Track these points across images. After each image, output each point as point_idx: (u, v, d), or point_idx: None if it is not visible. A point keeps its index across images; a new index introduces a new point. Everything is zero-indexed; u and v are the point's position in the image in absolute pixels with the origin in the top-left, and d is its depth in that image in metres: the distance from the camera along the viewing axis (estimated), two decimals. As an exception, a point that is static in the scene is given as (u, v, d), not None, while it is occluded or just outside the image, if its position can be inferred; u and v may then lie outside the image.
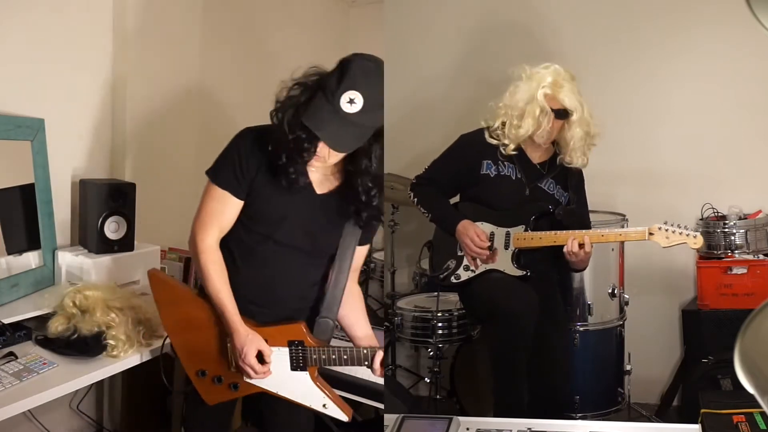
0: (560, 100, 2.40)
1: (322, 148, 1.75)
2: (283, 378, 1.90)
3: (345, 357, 1.86)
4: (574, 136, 2.44)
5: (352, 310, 2.04)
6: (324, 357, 1.86)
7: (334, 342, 2.02)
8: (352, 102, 1.65)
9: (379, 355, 1.87)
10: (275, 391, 1.91)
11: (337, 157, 1.80)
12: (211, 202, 1.88)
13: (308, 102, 1.72)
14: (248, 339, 1.84)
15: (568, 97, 2.39)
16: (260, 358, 1.86)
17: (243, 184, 1.84)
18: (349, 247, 1.96)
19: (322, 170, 1.88)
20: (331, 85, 1.68)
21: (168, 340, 2.10)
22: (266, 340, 1.88)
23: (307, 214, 1.89)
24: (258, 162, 1.83)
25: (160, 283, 2.05)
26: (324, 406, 1.91)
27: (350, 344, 2.00)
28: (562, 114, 2.41)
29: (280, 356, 1.88)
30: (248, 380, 1.91)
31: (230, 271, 1.92)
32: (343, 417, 1.92)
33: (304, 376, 1.89)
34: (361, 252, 2.03)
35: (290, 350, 1.88)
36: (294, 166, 1.79)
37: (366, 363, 1.87)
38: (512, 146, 2.48)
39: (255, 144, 1.84)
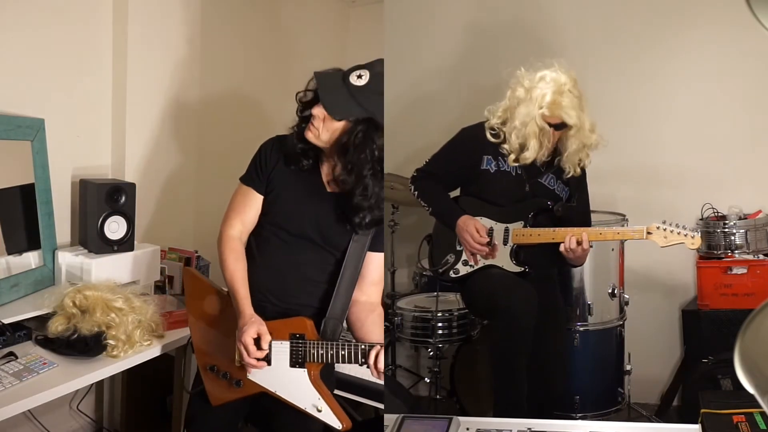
0: (559, 117, 2.38)
1: (316, 115, 1.85)
2: (281, 375, 1.89)
3: (343, 353, 1.84)
4: (569, 148, 2.44)
5: (366, 325, 2.01)
6: (322, 352, 1.85)
7: None
8: (360, 77, 1.81)
9: (375, 350, 1.81)
10: (273, 391, 1.90)
11: (328, 132, 1.85)
12: (236, 197, 2.05)
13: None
14: (251, 320, 1.87)
15: (567, 114, 2.36)
16: (259, 345, 1.87)
17: (262, 179, 2.00)
18: (360, 247, 1.96)
19: (330, 168, 1.94)
20: (347, 70, 1.86)
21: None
22: (271, 334, 1.89)
23: (318, 207, 1.95)
24: (276, 159, 1.99)
25: (191, 277, 2.21)
26: (318, 409, 1.87)
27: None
28: (560, 126, 2.40)
29: (281, 350, 1.88)
30: (250, 377, 1.91)
31: (250, 265, 2.00)
32: (337, 425, 1.86)
33: (301, 374, 1.87)
34: (375, 262, 2.02)
35: (291, 343, 1.87)
36: (303, 151, 1.92)
37: (363, 359, 1.83)
38: (513, 157, 2.46)
39: (275, 145, 2.01)
